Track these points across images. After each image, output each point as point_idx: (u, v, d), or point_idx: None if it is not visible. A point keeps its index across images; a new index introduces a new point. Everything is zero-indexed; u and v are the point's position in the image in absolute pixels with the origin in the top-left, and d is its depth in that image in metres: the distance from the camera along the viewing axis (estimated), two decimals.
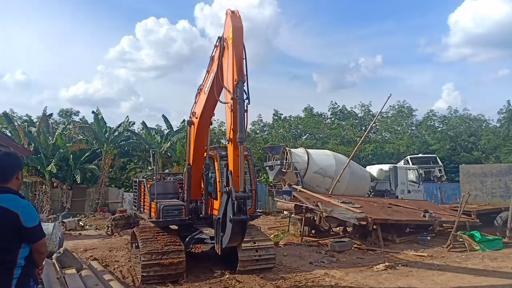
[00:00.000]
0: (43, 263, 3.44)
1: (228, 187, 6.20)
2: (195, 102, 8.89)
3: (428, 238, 12.69)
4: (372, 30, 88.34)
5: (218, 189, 8.89)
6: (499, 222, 13.67)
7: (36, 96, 78.47)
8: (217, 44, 7.26)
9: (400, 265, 9.43)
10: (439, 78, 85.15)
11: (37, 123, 30.42)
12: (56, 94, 76.83)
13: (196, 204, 9.47)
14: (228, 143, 6.52)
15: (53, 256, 8.67)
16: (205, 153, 9.19)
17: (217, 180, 9.04)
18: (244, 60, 6.48)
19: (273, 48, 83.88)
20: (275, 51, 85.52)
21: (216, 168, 9.20)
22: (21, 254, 3.04)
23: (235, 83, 6.31)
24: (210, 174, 9.40)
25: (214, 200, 9.12)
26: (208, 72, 8.04)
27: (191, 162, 9.04)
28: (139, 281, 7.99)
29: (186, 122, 9.20)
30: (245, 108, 6.28)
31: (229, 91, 6.47)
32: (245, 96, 6.31)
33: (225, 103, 6.65)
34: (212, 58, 7.77)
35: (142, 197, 10.52)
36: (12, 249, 3.00)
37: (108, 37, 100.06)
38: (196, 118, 8.70)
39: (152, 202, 9.03)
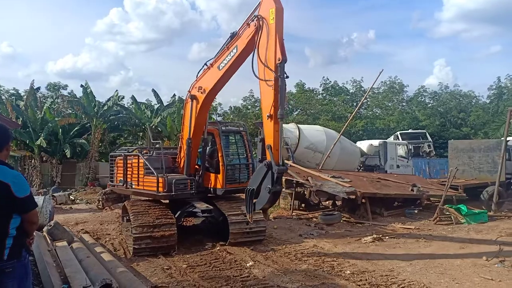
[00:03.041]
0: (34, 233, 3.44)
1: (267, 160, 6.68)
2: (201, 77, 8.85)
3: (416, 211, 12.94)
4: (365, 4, 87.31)
5: (221, 164, 9.10)
6: (485, 196, 13.97)
7: (23, 69, 76.98)
8: (251, 22, 7.42)
9: (387, 237, 9.64)
10: (431, 54, 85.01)
11: (25, 97, 29.83)
12: (43, 67, 75.45)
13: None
14: (268, 119, 6.82)
15: (44, 229, 8.70)
16: (204, 129, 9.29)
17: (219, 154, 9.22)
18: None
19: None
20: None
21: (218, 143, 9.31)
22: (12, 224, 3.03)
23: (278, 62, 6.68)
24: (207, 149, 9.51)
25: (214, 174, 9.32)
26: (227, 48, 8.06)
27: (191, 136, 9.07)
28: (131, 253, 8.08)
29: (188, 96, 9.13)
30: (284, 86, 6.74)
31: (271, 70, 6.77)
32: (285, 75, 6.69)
33: (265, 80, 6.90)
34: (236, 35, 7.89)
35: (136, 171, 10.12)
36: (3, 219, 2.99)
37: (96, 9, 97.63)
38: (202, 93, 8.73)
39: (160, 177, 8.74)
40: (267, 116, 6.85)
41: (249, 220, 7.46)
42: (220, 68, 8.19)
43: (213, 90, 8.64)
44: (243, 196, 9.76)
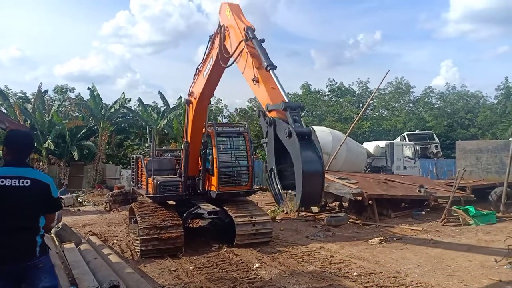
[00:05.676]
0: None
1: (270, 117, 5.02)
2: (194, 82, 8.89)
3: (423, 212, 12.83)
4: (372, 5, 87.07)
5: (215, 166, 8.97)
6: (494, 197, 13.82)
7: (31, 73, 77.67)
8: (218, 31, 7.38)
9: (394, 238, 9.59)
10: (438, 55, 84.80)
11: (32, 99, 30.09)
12: (50, 70, 76.16)
13: (193, 181, 9.55)
14: (256, 84, 5.70)
15: (51, 231, 8.74)
16: (204, 130, 9.25)
17: (214, 156, 9.07)
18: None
19: (270, 23, 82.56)
20: (272, 26, 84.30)
21: (213, 144, 9.20)
22: (41, 223, 3.26)
23: (243, 32, 6.26)
24: (207, 151, 9.44)
25: (211, 177, 9.20)
26: (207, 56, 8.05)
27: (189, 139, 9.07)
28: (138, 255, 8.12)
29: (184, 100, 9.25)
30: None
31: (240, 41, 6.28)
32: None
33: (234, 59, 6.49)
34: (212, 43, 7.80)
35: (140, 173, 10.61)
36: (36, 217, 3.22)
37: (102, 12, 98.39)
38: (195, 98, 8.74)
39: (149, 178, 9.10)
40: (253, 80, 5.72)
41: (283, 209, 6.34)
42: (205, 75, 8.14)
43: (202, 96, 8.54)
44: (243, 198, 9.72)
